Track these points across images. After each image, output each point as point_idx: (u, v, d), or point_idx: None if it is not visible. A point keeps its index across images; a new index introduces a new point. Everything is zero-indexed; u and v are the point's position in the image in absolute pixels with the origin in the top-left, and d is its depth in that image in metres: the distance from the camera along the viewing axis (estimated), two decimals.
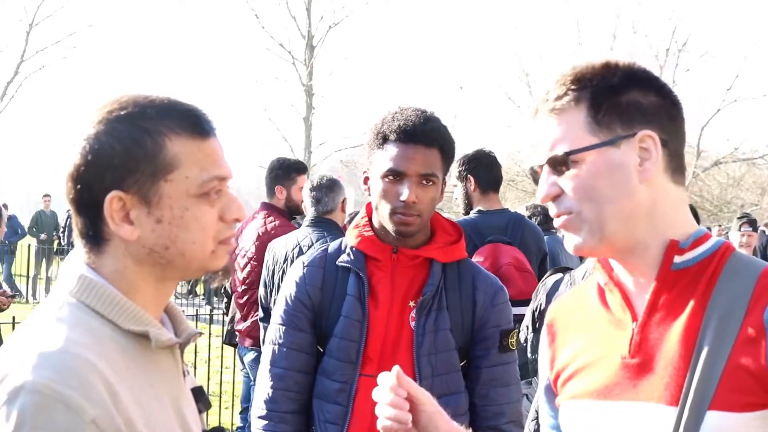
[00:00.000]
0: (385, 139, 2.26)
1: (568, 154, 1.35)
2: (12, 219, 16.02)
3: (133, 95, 1.28)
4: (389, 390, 1.44)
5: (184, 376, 1.38)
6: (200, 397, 1.41)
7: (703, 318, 1.31)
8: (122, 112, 1.25)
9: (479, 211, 4.28)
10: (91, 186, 1.24)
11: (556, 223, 1.39)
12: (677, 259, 1.36)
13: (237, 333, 5.10)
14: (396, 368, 1.45)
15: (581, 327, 1.49)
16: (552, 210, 1.40)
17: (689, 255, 1.36)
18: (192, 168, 1.26)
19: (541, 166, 1.40)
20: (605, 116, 1.35)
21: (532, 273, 4.04)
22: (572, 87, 1.37)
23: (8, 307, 5.37)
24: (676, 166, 1.39)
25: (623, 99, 1.35)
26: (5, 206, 16.09)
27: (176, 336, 1.37)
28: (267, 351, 2.40)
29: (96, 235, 1.27)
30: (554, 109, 1.38)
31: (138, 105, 1.26)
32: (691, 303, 1.33)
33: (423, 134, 2.22)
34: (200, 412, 1.42)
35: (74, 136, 1.26)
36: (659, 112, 1.37)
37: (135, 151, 1.23)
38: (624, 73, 1.38)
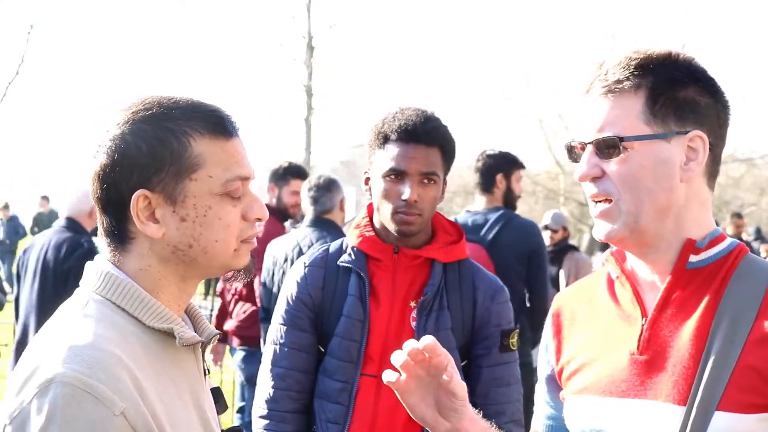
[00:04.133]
0: (385, 139, 2.26)
1: (621, 139, 1.33)
2: (13, 219, 16.03)
3: (157, 96, 1.31)
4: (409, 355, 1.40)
5: (205, 375, 1.39)
6: (218, 398, 1.43)
7: (714, 318, 1.31)
8: (147, 113, 1.27)
9: (467, 211, 4.54)
10: (117, 185, 1.26)
11: (596, 209, 1.38)
12: (693, 258, 1.36)
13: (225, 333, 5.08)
14: (428, 341, 1.39)
15: (588, 320, 1.48)
16: (589, 191, 1.38)
17: (704, 255, 1.37)
18: (215, 168, 1.28)
19: (583, 144, 1.38)
20: (661, 108, 1.34)
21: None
22: (635, 72, 1.35)
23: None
24: (713, 170, 1.40)
25: (681, 94, 1.35)
26: (6, 206, 16.08)
27: None
28: (268, 351, 2.40)
29: (121, 234, 1.29)
30: (612, 91, 1.36)
31: (163, 106, 1.28)
32: (703, 302, 1.33)
33: (424, 133, 2.23)
34: (218, 413, 1.43)
35: (100, 136, 1.28)
36: (711, 114, 1.36)
37: (160, 150, 1.25)
38: (686, 68, 1.37)
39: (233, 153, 1.30)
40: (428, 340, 1.38)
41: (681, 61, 1.37)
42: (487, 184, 4.52)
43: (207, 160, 1.27)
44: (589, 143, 1.37)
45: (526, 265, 4.35)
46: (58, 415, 1.10)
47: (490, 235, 4.31)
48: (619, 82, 1.35)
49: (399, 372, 1.41)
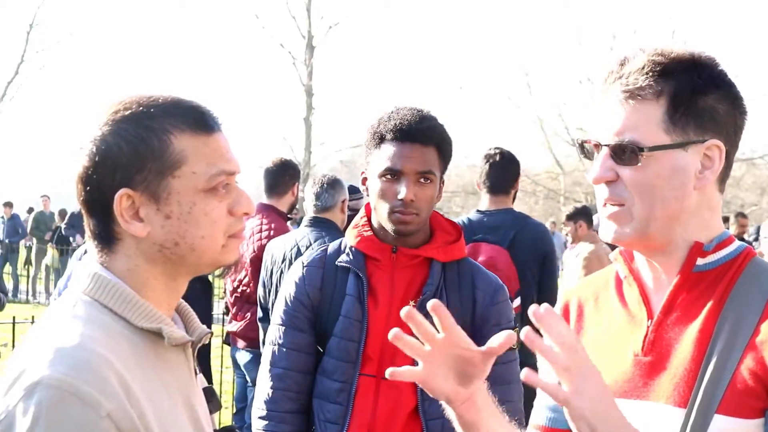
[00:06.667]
0: (382, 139, 2.26)
1: (640, 149, 1.32)
2: (14, 218, 16.03)
3: (136, 96, 1.30)
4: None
5: (196, 375, 1.39)
6: (211, 398, 1.43)
7: (717, 321, 1.31)
8: (127, 113, 1.27)
9: (478, 211, 4.34)
10: (100, 186, 1.26)
11: (606, 210, 1.37)
12: (700, 261, 1.36)
13: (229, 334, 5.07)
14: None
15: (594, 317, 1.48)
16: (602, 194, 1.37)
17: (711, 258, 1.36)
18: (199, 163, 1.27)
19: (599, 145, 1.37)
20: (682, 117, 1.33)
21: (505, 272, 3.98)
22: (657, 78, 1.33)
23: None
24: (726, 176, 1.39)
25: (701, 102, 1.33)
26: (10, 204, 16.04)
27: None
28: (267, 351, 2.41)
29: (107, 235, 1.29)
30: (632, 96, 1.34)
31: (142, 104, 1.28)
32: (708, 305, 1.33)
33: (419, 132, 2.23)
34: (211, 412, 1.43)
35: (80, 138, 1.28)
36: (728, 122, 1.36)
37: (142, 149, 1.25)
38: (708, 74, 1.35)
39: (216, 148, 1.29)
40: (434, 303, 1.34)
41: (703, 66, 1.35)
42: (504, 184, 4.36)
43: (189, 156, 1.27)
44: (605, 146, 1.36)
45: (540, 267, 4.29)
46: (43, 418, 1.10)
47: (509, 237, 4.19)
48: (641, 89, 1.33)
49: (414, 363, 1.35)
